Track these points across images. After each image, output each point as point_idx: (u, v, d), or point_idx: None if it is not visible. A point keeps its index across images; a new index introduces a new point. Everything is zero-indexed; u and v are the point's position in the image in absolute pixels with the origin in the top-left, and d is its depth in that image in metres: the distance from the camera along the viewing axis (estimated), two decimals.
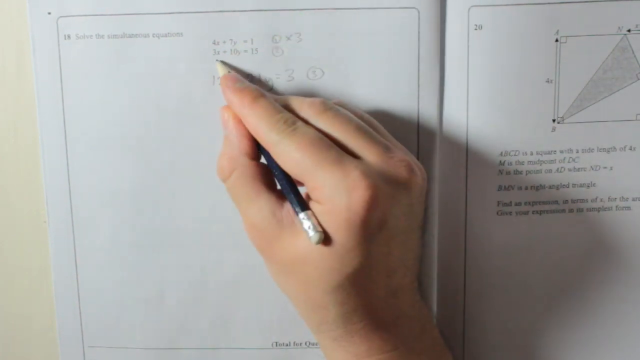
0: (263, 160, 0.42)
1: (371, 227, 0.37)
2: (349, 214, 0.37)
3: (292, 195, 0.39)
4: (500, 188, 0.46)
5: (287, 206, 0.40)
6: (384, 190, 0.38)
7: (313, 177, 0.38)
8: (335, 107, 0.41)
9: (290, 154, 0.38)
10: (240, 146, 0.41)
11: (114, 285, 0.48)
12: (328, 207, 0.37)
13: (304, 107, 0.40)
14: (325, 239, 0.37)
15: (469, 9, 0.44)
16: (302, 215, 0.38)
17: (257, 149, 0.41)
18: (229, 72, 0.43)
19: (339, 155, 0.38)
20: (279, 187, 0.41)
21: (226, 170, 0.41)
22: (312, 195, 0.39)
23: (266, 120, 0.39)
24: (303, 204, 0.39)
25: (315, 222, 0.37)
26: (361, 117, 0.42)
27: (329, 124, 0.40)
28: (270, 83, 0.45)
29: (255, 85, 0.42)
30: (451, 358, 0.44)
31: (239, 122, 0.41)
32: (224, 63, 0.44)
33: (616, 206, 0.46)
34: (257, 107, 0.40)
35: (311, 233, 0.37)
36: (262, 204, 0.40)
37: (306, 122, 0.40)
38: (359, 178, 0.37)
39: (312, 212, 0.38)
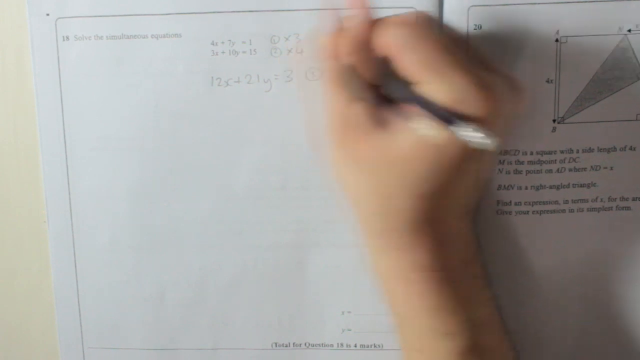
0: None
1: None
2: None
3: (443, 111, 0.36)
4: (500, 188, 0.46)
5: (388, 106, 0.38)
6: (504, 105, 0.37)
7: (441, 76, 0.36)
8: None
9: (422, 53, 0.37)
10: (364, 39, 0.38)
11: (113, 285, 0.48)
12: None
13: None
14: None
15: (468, 9, 0.43)
16: (470, 130, 0.35)
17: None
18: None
19: (465, 60, 0.37)
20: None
21: (335, 49, 0.39)
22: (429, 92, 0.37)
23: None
24: (458, 116, 0.36)
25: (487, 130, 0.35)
26: None
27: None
28: (269, 83, 0.45)
29: None
30: (492, 295, 0.43)
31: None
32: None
33: (616, 206, 0.46)
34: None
35: (487, 140, 0.34)
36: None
37: None
38: (486, 87, 0.36)
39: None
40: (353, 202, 0.41)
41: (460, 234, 0.41)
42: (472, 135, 0.35)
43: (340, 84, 0.39)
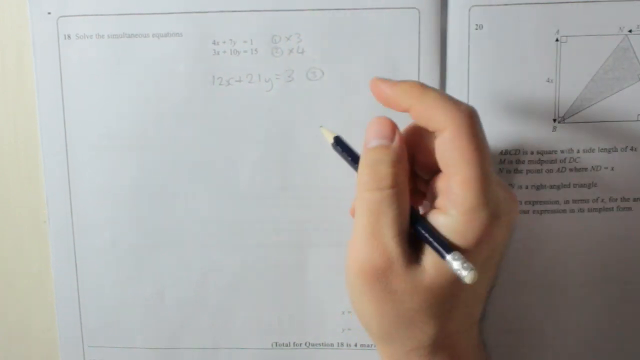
0: None
1: (486, 255, 0.37)
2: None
3: (436, 238, 0.37)
4: None
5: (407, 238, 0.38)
6: (505, 217, 0.37)
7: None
8: None
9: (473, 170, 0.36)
10: (406, 169, 0.39)
11: (114, 285, 0.48)
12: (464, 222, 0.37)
13: None
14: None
15: (469, 9, 0.44)
16: (449, 257, 0.36)
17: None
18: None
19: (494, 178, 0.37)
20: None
21: (389, 181, 0.38)
22: (442, 200, 0.38)
23: None
24: (446, 246, 0.37)
25: (466, 260, 0.36)
26: None
27: None
28: (270, 83, 0.45)
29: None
30: None
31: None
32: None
33: (617, 206, 0.46)
34: None
35: (464, 272, 0.35)
36: (397, 231, 0.38)
37: None
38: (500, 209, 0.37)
39: (459, 253, 0.36)
40: (375, 330, 0.40)
41: (471, 346, 0.41)
42: (458, 268, 0.36)
43: (379, 218, 0.38)
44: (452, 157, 0.37)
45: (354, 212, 0.39)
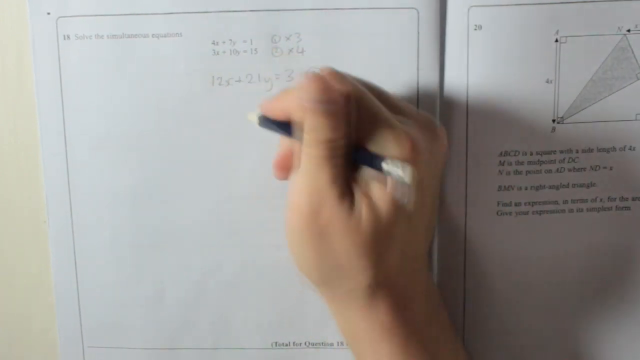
0: None
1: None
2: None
3: (367, 151, 0.38)
4: (500, 188, 0.46)
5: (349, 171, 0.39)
6: (426, 154, 0.39)
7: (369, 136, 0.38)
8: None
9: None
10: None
11: (114, 285, 0.48)
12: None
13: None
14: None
15: (468, 9, 0.44)
16: (385, 163, 0.37)
17: None
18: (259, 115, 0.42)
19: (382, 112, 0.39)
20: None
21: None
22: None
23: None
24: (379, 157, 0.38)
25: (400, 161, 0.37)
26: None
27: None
28: (270, 83, 0.45)
29: None
30: (461, 344, 0.45)
31: None
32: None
33: (616, 206, 0.46)
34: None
35: (402, 172, 0.37)
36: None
37: None
38: (412, 144, 0.38)
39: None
40: (314, 273, 0.41)
41: (418, 288, 0.42)
42: (394, 170, 0.37)
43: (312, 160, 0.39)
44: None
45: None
